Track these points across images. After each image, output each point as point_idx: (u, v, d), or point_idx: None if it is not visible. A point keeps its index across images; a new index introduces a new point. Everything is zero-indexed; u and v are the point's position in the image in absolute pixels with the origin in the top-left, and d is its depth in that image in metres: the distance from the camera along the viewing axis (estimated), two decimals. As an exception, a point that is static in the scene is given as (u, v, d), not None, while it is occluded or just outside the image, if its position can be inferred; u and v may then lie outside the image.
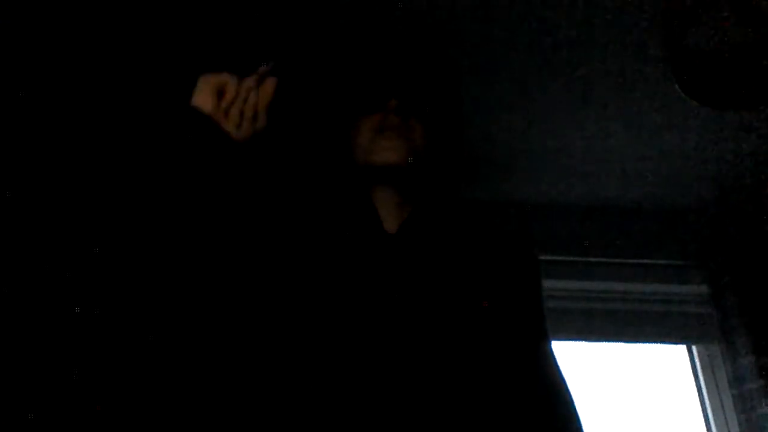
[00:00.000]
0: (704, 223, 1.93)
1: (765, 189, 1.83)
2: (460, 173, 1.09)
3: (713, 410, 1.80)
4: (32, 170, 1.42)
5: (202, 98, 0.89)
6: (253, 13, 1.37)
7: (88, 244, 1.43)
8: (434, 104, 1.01)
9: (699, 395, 1.85)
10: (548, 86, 1.54)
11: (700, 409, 1.83)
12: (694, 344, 1.90)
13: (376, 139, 0.94)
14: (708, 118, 1.59)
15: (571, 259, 1.88)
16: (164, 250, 1.44)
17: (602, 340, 1.86)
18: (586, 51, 1.44)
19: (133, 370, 1.33)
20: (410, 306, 0.85)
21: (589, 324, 1.84)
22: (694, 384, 1.87)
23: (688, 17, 1.33)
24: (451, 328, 0.86)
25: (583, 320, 1.84)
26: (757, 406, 1.70)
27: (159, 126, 0.90)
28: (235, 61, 1.46)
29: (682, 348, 1.92)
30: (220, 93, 0.89)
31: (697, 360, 1.89)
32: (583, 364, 1.85)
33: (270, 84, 0.91)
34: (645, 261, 1.91)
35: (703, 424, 1.81)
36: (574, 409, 0.90)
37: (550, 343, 0.96)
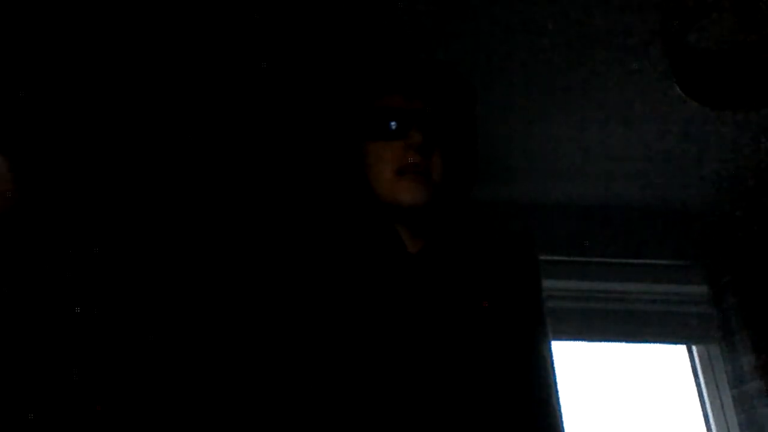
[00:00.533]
0: (704, 223, 1.93)
1: (765, 189, 1.83)
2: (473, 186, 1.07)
3: (713, 410, 1.80)
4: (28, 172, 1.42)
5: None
6: (266, 31, 1.37)
7: (88, 245, 1.43)
8: (455, 132, 0.97)
9: (699, 395, 1.85)
10: (548, 86, 1.54)
11: (700, 409, 1.83)
12: (694, 344, 1.90)
13: (398, 179, 0.91)
14: (708, 118, 1.59)
15: (571, 259, 1.88)
16: (164, 253, 1.44)
17: (602, 340, 1.86)
18: (586, 51, 1.44)
19: (133, 370, 1.33)
20: (430, 319, 0.86)
21: (589, 324, 1.84)
22: (694, 384, 1.87)
23: (688, 17, 1.33)
24: (460, 332, 0.86)
25: (583, 320, 1.84)
26: (757, 406, 1.70)
27: None
28: (236, 64, 1.47)
29: (682, 348, 1.92)
30: None
31: (697, 360, 1.89)
32: (583, 364, 1.85)
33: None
34: (645, 261, 1.91)
35: (703, 424, 1.81)
36: (559, 415, 0.90)
37: (549, 345, 0.96)
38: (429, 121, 0.92)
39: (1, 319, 1.25)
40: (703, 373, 1.86)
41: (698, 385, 1.86)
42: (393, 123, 0.93)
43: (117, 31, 1.38)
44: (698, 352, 1.89)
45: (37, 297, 1.31)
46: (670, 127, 1.64)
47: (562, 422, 0.90)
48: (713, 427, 1.79)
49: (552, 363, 0.95)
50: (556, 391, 0.92)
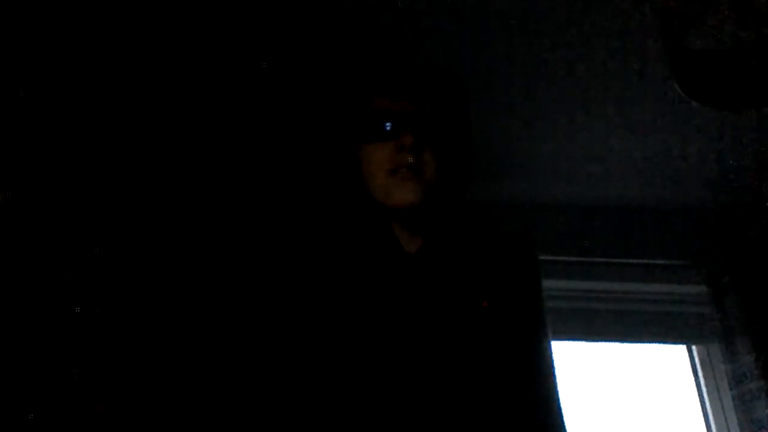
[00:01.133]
0: (704, 223, 1.93)
1: (765, 189, 1.83)
2: (471, 184, 1.07)
3: (713, 410, 1.80)
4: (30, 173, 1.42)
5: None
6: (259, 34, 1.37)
7: (88, 245, 1.43)
8: (451, 132, 0.98)
9: (699, 395, 1.85)
10: (548, 87, 1.54)
11: (700, 409, 1.83)
12: (694, 344, 1.90)
13: (391, 180, 0.93)
14: (708, 118, 1.59)
15: (571, 259, 1.88)
16: (164, 253, 1.44)
17: (602, 340, 1.86)
18: (586, 51, 1.44)
19: (133, 370, 1.33)
20: (429, 318, 0.87)
21: (589, 324, 1.84)
22: (694, 384, 1.87)
23: (688, 17, 1.33)
24: (460, 332, 0.87)
25: (583, 320, 1.84)
26: (757, 406, 1.69)
27: None
28: (234, 65, 1.47)
29: (682, 348, 1.92)
30: None
31: (697, 360, 1.89)
32: (583, 364, 1.85)
33: None
34: (645, 261, 1.91)
35: (703, 424, 1.81)
36: (560, 414, 0.90)
37: (550, 344, 0.96)
38: (420, 121, 0.94)
39: (1, 319, 1.25)
40: (703, 373, 1.86)
41: (698, 385, 1.86)
42: (384, 125, 0.94)
43: (117, 31, 1.38)
44: (698, 352, 1.89)
45: (37, 297, 1.31)
46: (670, 127, 1.64)
47: (563, 422, 0.90)
48: (713, 427, 1.78)
49: (553, 363, 0.95)
50: (557, 391, 0.92)
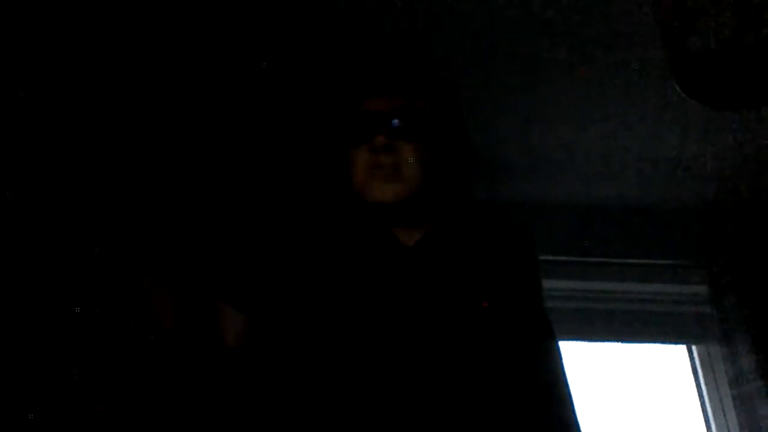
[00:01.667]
0: (704, 223, 1.93)
1: (765, 189, 1.83)
2: (472, 180, 1.08)
3: (713, 410, 1.80)
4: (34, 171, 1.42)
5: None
6: (248, 30, 1.37)
7: (88, 245, 1.43)
8: (429, 127, 0.98)
9: (699, 395, 1.85)
10: (548, 87, 1.54)
11: (700, 409, 1.83)
12: (694, 344, 1.90)
13: (367, 179, 0.95)
14: (708, 118, 1.59)
15: (571, 259, 1.88)
16: (164, 253, 1.44)
17: (602, 340, 1.86)
18: (586, 51, 1.44)
19: (133, 370, 1.33)
20: (426, 312, 0.87)
21: (589, 324, 1.84)
22: (694, 384, 1.87)
23: (688, 17, 1.33)
24: (459, 329, 0.86)
25: (583, 320, 1.84)
26: (757, 406, 1.69)
27: None
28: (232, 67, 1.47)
29: (682, 348, 1.92)
30: None
31: (697, 360, 1.89)
32: (583, 364, 1.85)
33: None
34: (645, 261, 1.91)
35: (703, 424, 1.81)
36: (572, 408, 0.90)
37: (555, 342, 0.96)
38: (397, 118, 0.95)
39: (1, 319, 1.25)
40: (703, 373, 1.86)
41: (698, 385, 1.86)
42: (359, 127, 0.97)
43: (117, 31, 1.38)
44: (698, 352, 1.89)
45: (37, 297, 1.31)
46: (670, 127, 1.64)
47: (576, 420, 0.89)
48: (713, 427, 1.79)
49: (561, 362, 0.94)
50: (568, 389, 0.92)
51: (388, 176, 0.93)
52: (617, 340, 1.86)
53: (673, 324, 1.87)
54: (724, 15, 1.31)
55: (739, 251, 1.88)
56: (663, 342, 1.89)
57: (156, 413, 1.26)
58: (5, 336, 1.25)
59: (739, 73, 1.40)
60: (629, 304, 1.89)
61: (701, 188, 1.86)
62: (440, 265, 0.93)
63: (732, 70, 1.40)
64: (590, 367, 1.85)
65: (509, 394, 0.85)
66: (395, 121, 0.95)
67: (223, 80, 1.52)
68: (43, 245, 1.37)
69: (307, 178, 1.61)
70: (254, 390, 0.86)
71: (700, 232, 1.93)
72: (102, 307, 1.37)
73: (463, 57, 1.45)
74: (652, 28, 1.38)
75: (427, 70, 1.05)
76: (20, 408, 1.20)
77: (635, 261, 1.91)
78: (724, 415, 1.78)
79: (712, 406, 1.81)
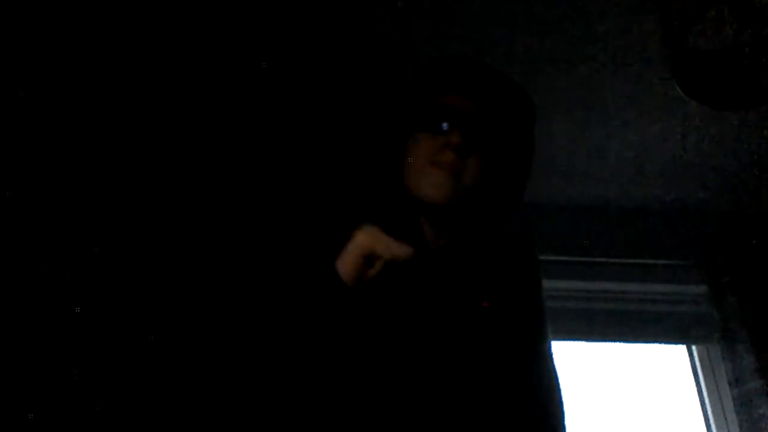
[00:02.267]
0: (704, 223, 1.93)
1: (765, 189, 1.83)
2: (516, 209, 1.06)
3: (713, 410, 1.80)
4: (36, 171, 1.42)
5: (349, 264, 0.82)
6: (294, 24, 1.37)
7: (88, 245, 1.43)
8: (504, 145, 0.97)
9: (699, 395, 1.85)
10: (548, 86, 1.54)
11: (700, 409, 1.83)
12: (694, 344, 1.90)
13: (426, 171, 0.92)
14: (708, 118, 1.59)
15: (571, 259, 1.88)
16: (164, 253, 1.44)
17: (602, 340, 1.86)
18: (586, 51, 1.44)
19: (133, 370, 1.33)
20: (434, 315, 0.86)
21: (589, 324, 1.84)
22: (694, 384, 1.87)
23: (688, 17, 1.33)
24: (461, 331, 0.86)
25: (583, 320, 1.84)
26: (757, 406, 1.70)
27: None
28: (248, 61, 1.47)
29: (682, 348, 1.92)
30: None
31: (697, 360, 1.88)
32: (583, 364, 1.85)
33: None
34: (645, 261, 1.91)
35: (703, 424, 1.81)
36: (562, 414, 0.90)
37: (550, 345, 0.96)
38: (475, 125, 0.93)
39: (1, 319, 1.25)
40: (703, 373, 1.86)
41: (698, 385, 1.86)
42: (439, 119, 0.94)
43: (117, 31, 1.38)
44: (698, 352, 1.89)
45: (37, 297, 1.31)
46: (670, 127, 1.64)
47: (564, 423, 0.90)
48: (713, 427, 1.78)
49: (554, 363, 0.94)
50: (560, 391, 0.92)
51: (448, 177, 0.90)
52: (617, 340, 1.86)
53: (673, 324, 1.86)
54: (724, 15, 1.31)
55: (739, 251, 1.88)
56: (663, 342, 1.89)
57: (156, 413, 1.27)
58: (5, 336, 1.25)
59: (739, 73, 1.40)
60: (629, 304, 1.88)
61: (701, 188, 1.86)
62: (457, 273, 0.92)
63: (732, 70, 1.40)
64: (590, 367, 1.85)
65: (504, 396, 0.85)
66: (474, 124, 0.92)
67: (222, 80, 1.52)
68: (43, 245, 1.37)
69: (342, 169, 1.59)
70: (260, 387, 0.85)
71: (700, 232, 1.93)
72: (102, 307, 1.37)
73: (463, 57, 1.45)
74: (652, 28, 1.38)
75: (516, 84, 1.02)
76: (20, 408, 1.20)
77: (635, 261, 1.91)
78: (724, 415, 1.78)
79: (712, 406, 1.81)
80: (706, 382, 1.84)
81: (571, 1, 1.32)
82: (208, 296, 1.38)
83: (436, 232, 0.95)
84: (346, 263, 0.81)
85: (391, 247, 0.80)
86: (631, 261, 1.91)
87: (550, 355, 0.95)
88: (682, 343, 1.91)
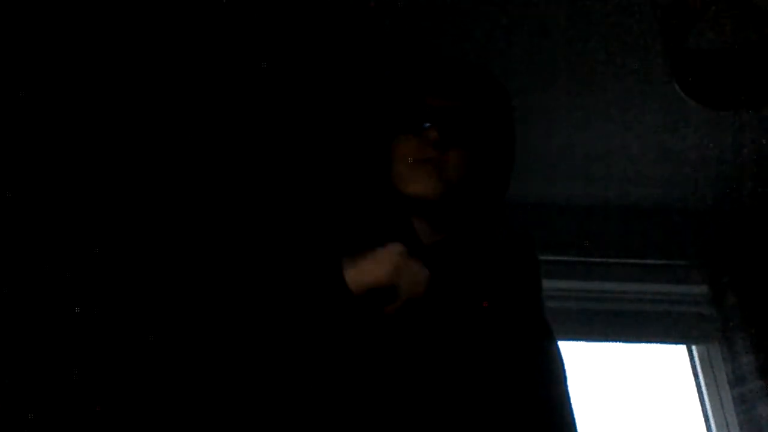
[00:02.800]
0: (704, 223, 1.93)
1: (765, 189, 1.83)
2: (503, 201, 1.08)
3: (713, 410, 1.80)
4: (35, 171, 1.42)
5: (362, 285, 0.82)
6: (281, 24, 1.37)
7: (88, 245, 1.43)
8: (482, 138, 0.98)
9: (699, 395, 1.85)
10: (548, 86, 1.54)
11: (700, 409, 1.83)
12: (694, 344, 1.90)
13: (410, 170, 0.94)
14: (708, 118, 1.59)
15: (571, 259, 1.88)
16: (164, 253, 1.44)
17: (602, 340, 1.86)
18: (586, 51, 1.44)
19: (133, 370, 1.33)
20: (432, 312, 0.86)
21: (589, 324, 1.84)
22: (694, 384, 1.87)
23: (688, 17, 1.33)
24: (456, 330, 0.86)
25: (583, 320, 1.84)
26: (757, 406, 1.69)
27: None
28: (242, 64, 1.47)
29: (682, 348, 1.92)
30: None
31: (697, 360, 1.88)
32: (583, 364, 1.85)
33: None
34: (645, 261, 1.91)
35: (703, 424, 1.81)
36: (570, 411, 0.90)
37: (555, 342, 0.96)
38: (451, 119, 0.95)
39: (1, 319, 1.25)
40: (703, 373, 1.86)
41: (698, 385, 1.86)
42: (415, 118, 0.96)
43: (117, 31, 1.38)
44: (698, 352, 1.89)
45: (37, 297, 1.31)
46: (670, 127, 1.64)
47: (574, 422, 0.89)
48: (713, 427, 1.78)
49: (562, 364, 0.94)
50: (567, 393, 0.91)
51: (431, 172, 0.93)
52: (617, 340, 1.86)
53: (673, 324, 1.86)
54: (724, 15, 1.31)
55: (739, 251, 1.88)
56: (663, 342, 1.89)
57: (156, 413, 1.26)
58: (5, 336, 1.25)
59: (739, 73, 1.40)
60: (629, 304, 1.88)
61: (701, 188, 1.86)
62: (452, 270, 0.92)
63: (732, 70, 1.40)
64: (590, 367, 1.85)
65: (507, 396, 0.85)
66: (450, 118, 0.95)
67: (222, 80, 1.52)
68: (43, 245, 1.37)
69: (333, 168, 1.59)
70: (256, 391, 0.85)
71: (700, 232, 1.93)
72: (102, 307, 1.37)
73: (463, 57, 1.45)
74: (652, 28, 1.38)
75: (488, 74, 1.04)
76: (20, 408, 1.20)
77: (635, 261, 1.91)
78: (724, 415, 1.78)
79: (712, 406, 1.81)
80: (706, 382, 1.84)
81: (571, 1, 1.32)
82: (208, 296, 1.38)
83: (431, 228, 0.96)
84: (360, 282, 0.81)
85: (413, 286, 0.82)
86: (631, 261, 1.91)
87: (558, 354, 0.94)
88: (682, 343, 1.91)
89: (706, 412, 1.82)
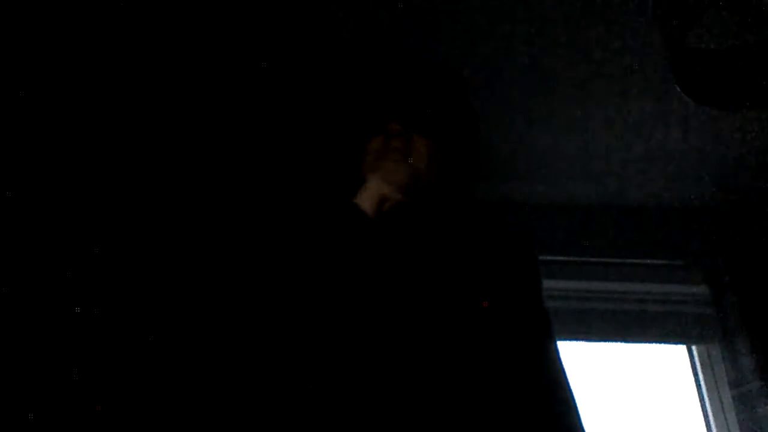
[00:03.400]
0: (704, 223, 1.93)
1: (765, 189, 1.83)
2: (475, 183, 1.11)
3: (713, 410, 1.80)
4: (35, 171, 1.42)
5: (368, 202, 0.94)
6: (253, 30, 1.37)
7: (88, 245, 1.43)
8: (442, 121, 1.03)
9: (699, 395, 1.85)
10: (548, 86, 1.54)
11: (700, 409, 1.83)
12: (694, 344, 1.90)
13: (378, 162, 0.99)
14: (708, 118, 1.59)
15: (571, 259, 1.88)
16: (163, 253, 1.44)
17: (602, 340, 1.86)
18: (586, 51, 1.44)
19: (133, 370, 1.33)
20: (395, 295, 0.87)
21: (589, 324, 1.84)
22: (694, 384, 1.87)
23: (688, 17, 1.33)
24: (452, 330, 0.86)
25: (583, 320, 1.84)
26: (757, 406, 1.69)
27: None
28: (233, 63, 1.47)
29: (682, 348, 1.92)
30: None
31: (697, 360, 1.88)
32: (583, 364, 1.85)
33: None
34: (645, 261, 1.91)
35: (703, 424, 1.81)
36: (576, 411, 0.89)
37: (554, 342, 0.96)
38: (410, 111, 1.00)
39: (1, 319, 1.25)
40: (703, 373, 1.86)
41: (698, 385, 1.86)
42: (377, 117, 1.03)
43: (117, 31, 1.38)
44: (698, 352, 1.89)
45: (37, 297, 1.31)
46: (670, 127, 1.64)
47: (578, 414, 0.88)
48: (713, 427, 1.78)
49: (561, 363, 0.93)
50: (569, 388, 0.91)
51: (398, 160, 0.96)
52: (617, 340, 1.86)
53: (673, 324, 1.86)
54: (724, 15, 1.31)
55: (739, 251, 1.88)
56: (663, 342, 1.89)
57: (156, 413, 1.27)
58: (5, 336, 1.25)
59: (739, 73, 1.40)
60: (629, 304, 1.88)
61: (701, 188, 1.86)
62: (404, 241, 0.94)
63: (732, 70, 1.40)
64: (590, 367, 1.85)
65: (509, 396, 0.85)
66: (409, 110, 1.00)
67: (222, 80, 1.52)
68: (43, 245, 1.37)
69: (306, 174, 1.61)
70: (252, 389, 0.85)
71: (700, 232, 1.93)
72: (102, 307, 1.37)
73: (462, 57, 1.45)
74: (652, 28, 1.38)
75: (438, 65, 1.11)
76: (20, 408, 1.20)
77: (635, 261, 1.91)
78: (724, 415, 1.78)
79: (712, 406, 1.81)
80: (706, 382, 1.84)
81: (571, 1, 1.32)
82: (208, 296, 1.38)
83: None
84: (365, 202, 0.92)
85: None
86: (631, 261, 1.91)
87: (557, 354, 0.94)
88: (682, 343, 1.91)
89: (706, 412, 1.82)
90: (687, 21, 1.34)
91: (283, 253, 0.91)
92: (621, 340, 1.86)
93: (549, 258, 1.84)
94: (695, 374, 1.88)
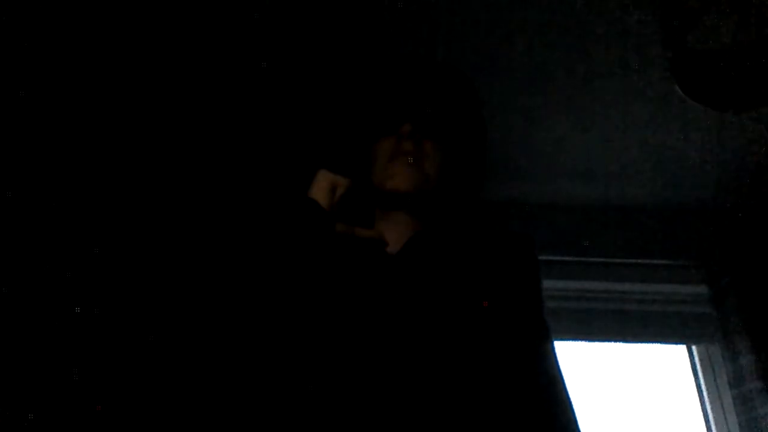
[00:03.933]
0: (704, 223, 1.93)
1: (765, 189, 1.83)
2: (481, 186, 1.12)
3: (713, 410, 1.80)
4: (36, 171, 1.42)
5: (320, 193, 0.95)
6: (264, 28, 1.37)
7: (88, 245, 1.43)
8: (454, 126, 1.02)
9: (699, 395, 1.85)
10: (548, 86, 1.54)
11: (700, 409, 1.83)
12: (694, 344, 1.90)
13: (389, 165, 0.98)
14: (708, 118, 1.59)
15: (571, 259, 1.88)
16: (163, 253, 1.44)
17: (602, 340, 1.86)
18: (586, 51, 1.44)
19: (133, 370, 1.33)
20: (410, 320, 0.86)
21: (589, 324, 1.84)
22: (694, 384, 1.87)
23: (688, 17, 1.33)
24: (452, 331, 0.86)
25: (583, 320, 1.84)
26: (757, 406, 1.69)
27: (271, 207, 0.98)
28: (238, 64, 1.47)
29: (682, 348, 1.92)
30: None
31: (697, 360, 1.88)
32: (583, 364, 1.85)
33: None
34: (645, 261, 1.91)
35: (703, 424, 1.81)
36: (571, 411, 0.89)
37: (552, 344, 0.96)
38: (422, 113, 0.99)
39: (1, 319, 1.25)
40: (703, 373, 1.86)
41: (698, 385, 1.86)
42: (388, 118, 1.01)
43: (117, 31, 1.38)
44: (698, 352, 1.89)
45: (37, 297, 1.31)
46: (670, 127, 1.64)
47: (575, 419, 0.89)
48: (713, 427, 1.78)
49: (558, 364, 0.94)
50: (566, 389, 0.91)
51: (410, 164, 0.96)
52: (617, 340, 1.86)
53: (673, 324, 1.86)
54: (724, 14, 1.31)
55: (739, 251, 1.88)
56: (663, 342, 1.89)
57: (156, 413, 1.27)
58: (5, 336, 1.25)
59: (739, 73, 1.40)
60: (629, 304, 1.89)
61: (701, 188, 1.86)
62: (425, 271, 0.93)
63: (732, 70, 1.40)
64: (590, 367, 1.85)
65: (507, 396, 0.85)
66: (422, 112, 0.99)
67: (221, 80, 1.52)
68: (43, 245, 1.37)
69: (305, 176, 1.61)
70: (253, 393, 0.85)
71: (700, 232, 1.93)
72: (102, 307, 1.37)
73: (463, 58, 1.45)
74: (652, 28, 1.38)
75: (453, 69, 1.08)
76: (20, 408, 1.20)
77: (635, 261, 1.91)
78: (724, 415, 1.78)
79: (712, 406, 1.81)
80: (706, 382, 1.84)
81: (571, 1, 1.32)
82: (208, 296, 1.38)
83: (413, 222, 0.99)
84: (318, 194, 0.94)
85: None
86: (631, 261, 1.91)
87: (554, 355, 0.94)
88: (682, 343, 1.91)
89: (706, 412, 1.82)
90: (687, 21, 1.34)
91: (283, 254, 0.91)
92: (621, 340, 1.86)
93: (549, 258, 1.84)
94: (695, 374, 1.88)
